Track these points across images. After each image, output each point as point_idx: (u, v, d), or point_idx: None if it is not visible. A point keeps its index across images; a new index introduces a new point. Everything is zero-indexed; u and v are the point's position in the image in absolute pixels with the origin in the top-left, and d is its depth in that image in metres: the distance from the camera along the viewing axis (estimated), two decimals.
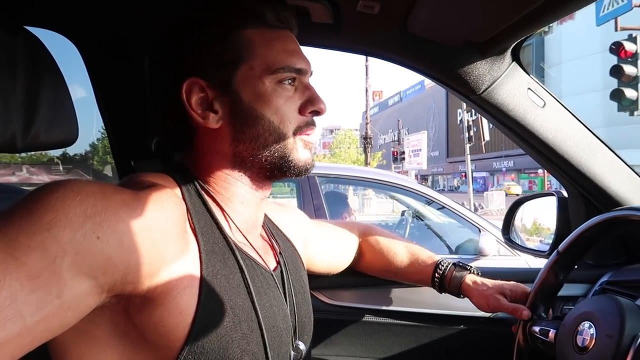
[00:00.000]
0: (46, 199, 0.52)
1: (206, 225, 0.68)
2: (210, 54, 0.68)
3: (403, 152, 20.34)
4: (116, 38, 1.14)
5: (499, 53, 1.01)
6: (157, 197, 0.61)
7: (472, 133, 15.69)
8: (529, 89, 1.07)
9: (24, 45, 0.75)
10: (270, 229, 0.87)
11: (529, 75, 1.07)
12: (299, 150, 0.72)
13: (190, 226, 0.66)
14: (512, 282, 1.02)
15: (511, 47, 1.01)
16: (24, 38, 0.76)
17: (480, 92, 1.04)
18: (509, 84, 1.05)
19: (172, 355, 0.61)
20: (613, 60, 8.31)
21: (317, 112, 0.74)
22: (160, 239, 0.59)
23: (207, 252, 0.65)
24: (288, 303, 0.78)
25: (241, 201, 0.73)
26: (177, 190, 0.68)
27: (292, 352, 0.77)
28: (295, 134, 0.71)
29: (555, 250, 0.91)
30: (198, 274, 0.63)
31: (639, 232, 1.14)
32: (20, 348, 0.48)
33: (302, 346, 0.79)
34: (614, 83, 8.40)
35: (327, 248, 1.10)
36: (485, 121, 14.83)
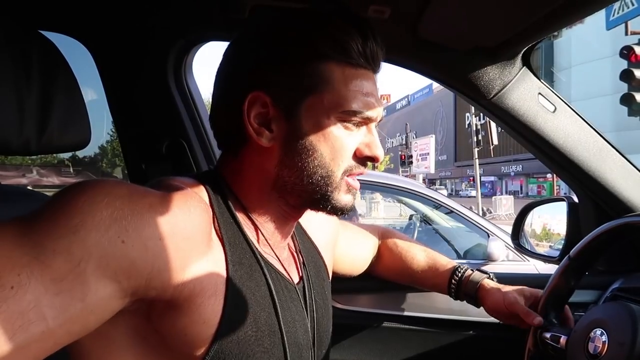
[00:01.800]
0: (73, 201, 0.52)
1: (234, 235, 0.67)
2: (285, 74, 0.66)
3: (411, 156, 20.29)
4: (129, 43, 1.15)
5: (510, 58, 1.01)
6: (184, 202, 0.61)
7: (480, 137, 15.60)
8: (540, 93, 1.06)
9: (39, 49, 0.76)
10: (297, 238, 0.84)
11: (539, 80, 1.07)
12: (342, 191, 0.70)
13: (218, 235, 0.65)
14: (532, 289, 1.01)
15: (522, 52, 1.01)
16: (39, 42, 0.77)
17: (491, 97, 1.04)
18: (519, 88, 1.04)
19: None
20: (623, 64, 8.24)
21: (372, 159, 0.71)
22: (186, 246, 0.58)
23: (234, 262, 0.65)
24: (309, 318, 0.77)
25: (272, 219, 0.72)
26: (206, 197, 0.67)
27: None
28: (343, 174, 0.69)
29: (567, 256, 0.90)
30: (223, 284, 0.63)
31: None
32: (42, 351, 0.48)
33: None
34: (624, 87, 8.33)
35: (351, 250, 1.09)
36: (493, 125, 14.74)
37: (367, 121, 0.69)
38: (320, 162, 0.67)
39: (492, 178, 46.29)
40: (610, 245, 0.87)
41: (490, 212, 18.53)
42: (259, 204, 0.71)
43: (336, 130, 0.67)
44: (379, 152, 0.71)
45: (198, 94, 1.26)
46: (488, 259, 3.17)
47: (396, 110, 66.18)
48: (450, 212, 3.55)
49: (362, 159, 0.70)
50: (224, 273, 0.63)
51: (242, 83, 0.67)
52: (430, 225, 4.05)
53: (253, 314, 0.65)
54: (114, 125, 1.24)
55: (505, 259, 3.18)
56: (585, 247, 0.87)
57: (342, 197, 0.70)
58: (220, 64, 0.72)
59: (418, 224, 4.25)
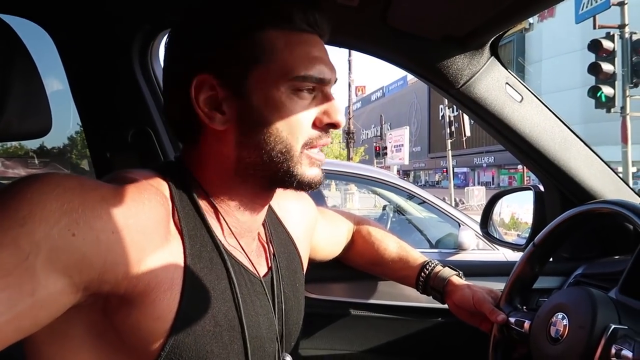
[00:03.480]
0: (21, 194, 0.51)
1: (195, 227, 0.65)
2: (226, 51, 0.63)
3: (385, 148, 20.47)
4: (92, 27, 1.11)
5: (478, 47, 1.02)
6: (138, 194, 0.59)
7: (453, 129, 15.79)
8: (507, 83, 1.07)
9: None
10: (270, 227, 0.82)
11: (507, 70, 1.08)
12: (304, 165, 0.67)
13: (177, 227, 0.63)
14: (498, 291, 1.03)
15: (490, 42, 1.02)
16: None
17: (459, 86, 1.05)
18: (487, 78, 1.05)
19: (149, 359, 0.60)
20: (592, 57, 8.46)
21: (334, 126, 0.68)
22: (140, 239, 0.57)
23: (193, 255, 0.63)
24: (276, 311, 0.76)
25: (238, 206, 0.70)
26: (165, 189, 0.65)
27: None
28: (303, 147, 0.66)
29: (531, 243, 0.92)
30: (180, 278, 0.61)
31: (612, 225, 1.16)
32: None
33: (288, 358, 0.77)
34: (592, 80, 8.56)
35: (329, 235, 1.09)
36: (466, 117, 14.90)
37: (320, 86, 0.67)
38: (277, 137, 0.64)
39: (464, 169, 47.04)
40: (572, 232, 0.89)
41: (463, 203, 18.88)
42: (224, 192, 0.69)
43: (288, 101, 0.64)
44: (339, 117, 0.68)
45: None
46: (459, 248, 3.23)
47: (371, 101, 66.40)
48: (422, 202, 3.60)
49: (324, 128, 0.68)
50: (181, 267, 0.62)
51: (185, 69, 0.65)
52: (404, 215, 4.09)
53: (212, 309, 0.64)
54: (78, 113, 1.20)
55: (476, 248, 3.25)
56: (548, 234, 0.89)
57: (307, 171, 0.68)
58: (164, 53, 0.70)
59: (391, 214, 4.28)
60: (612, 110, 8.61)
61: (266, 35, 0.63)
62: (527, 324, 0.86)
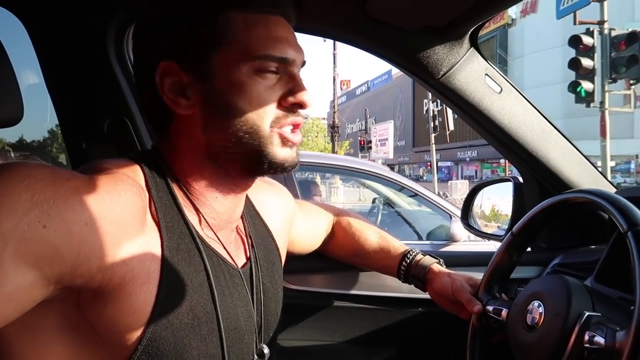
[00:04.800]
0: None
1: (172, 219, 0.64)
2: (186, 36, 0.63)
3: (370, 142, 20.58)
4: (65, 14, 1.08)
5: (458, 38, 1.02)
6: (113, 185, 0.58)
7: (437, 123, 15.89)
8: (487, 74, 1.08)
9: None
10: (248, 219, 0.82)
11: (486, 61, 1.09)
12: (275, 145, 0.66)
13: (154, 219, 0.62)
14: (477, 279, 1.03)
15: (469, 33, 1.02)
16: None
17: (439, 76, 1.05)
18: (466, 69, 1.06)
19: (125, 355, 0.59)
20: (573, 53, 8.57)
21: (300, 105, 0.67)
22: (115, 231, 0.56)
23: (170, 248, 0.62)
24: (255, 301, 0.75)
25: (215, 196, 0.69)
26: (142, 179, 0.64)
27: (256, 355, 0.75)
28: (272, 127, 0.66)
29: (510, 232, 0.93)
30: (157, 271, 0.60)
31: (588, 215, 1.18)
32: None
33: (266, 350, 0.77)
34: (573, 76, 8.67)
35: (308, 228, 1.09)
36: (450, 111, 15.07)
37: (285, 66, 0.66)
38: (243, 119, 0.64)
39: (448, 163, 47.46)
40: (549, 221, 0.90)
41: (447, 196, 19.12)
42: (199, 180, 0.68)
43: (251, 82, 0.63)
44: (305, 97, 0.67)
45: None
46: (451, 239, 3.28)
47: (356, 95, 66.45)
48: (414, 195, 3.61)
49: (290, 107, 0.67)
50: (158, 260, 0.61)
51: (150, 57, 0.65)
52: (394, 208, 4.10)
53: (189, 301, 0.63)
54: (52, 102, 1.17)
55: (467, 239, 3.28)
56: (526, 223, 0.90)
57: (279, 151, 0.67)
58: (132, 43, 0.70)
59: (382, 207, 4.29)
60: (592, 105, 8.74)
61: (225, 17, 0.63)
62: (504, 312, 0.87)
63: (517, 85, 1.12)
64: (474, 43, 1.06)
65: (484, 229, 1.46)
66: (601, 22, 8.75)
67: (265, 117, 0.65)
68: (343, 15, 1.02)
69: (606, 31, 8.50)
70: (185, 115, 0.65)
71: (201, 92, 0.64)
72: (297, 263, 1.20)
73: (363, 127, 26.44)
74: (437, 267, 1.04)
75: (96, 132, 1.13)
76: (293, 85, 0.67)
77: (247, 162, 0.67)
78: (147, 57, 0.66)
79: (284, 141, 0.68)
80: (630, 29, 8.55)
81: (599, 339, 0.65)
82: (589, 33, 8.40)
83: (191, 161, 0.68)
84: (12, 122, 0.80)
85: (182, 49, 0.64)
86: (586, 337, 0.67)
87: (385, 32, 1.04)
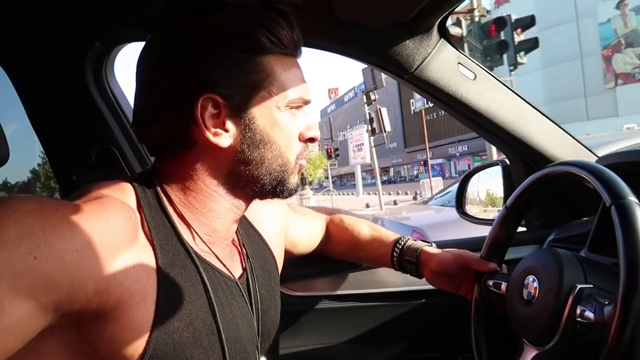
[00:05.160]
0: None
1: (166, 237, 0.65)
2: (232, 72, 0.66)
3: (337, 149, 20.91)
4: (41, 52, 1.10)
5: (426, 31, 1.04)
6: (101, 210, 0.59)
7: (374, 125, 15.87)
8: (459, 63, 1.10)
9: None
10: (242, 230, 0.84)
11: (458, 50, 1.11)
12: (295, 174, 0.74)
13: (147, 238, 0.64)
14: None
15: (437, 24, 1.04)
16: None
17: (413, 70, 1.07)
18: (438, 60, 1.08)
19: None
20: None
21: (312, 139, 0.75)
22: (106, 254, 0.57)
23: (166, 265, 0.63)
24: (254, 310, 0.77)
25: (217, 216, 0.71)
26: (132, 201, 0.65)
27: None
28: (296, 159, 0.73)
29: (504, 206, 0.94)
30: (154, 288, 0.61)
31: (575, 188, 1.20)
32: None
33: (264, 359, 0.79)
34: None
35: (303, 228, 1.11)
36: (385, 113, 15.26)
37: (305, 105, 0.74)
38: (278, 152, 0.70)
39: (440, 160, 47.61)
40: (540, 194, 0.91)
41: (421, 195, 19.21)
42: (203, 202, 0.70)
43: (286, 119, 0.70)
44: (317, 132, 0.76)
45: (124, 98, 1.22)
46: None
47: (344, 102, 66.76)
48: None
49: (305, 141, 0.74)
50: (154, 277, 0.62)
51: (187, 86, 0.66)
52: None
53: (189, 315, 0.64)
54: (39, 139, 1.19)
55: None
56: (519, 196, 0.91)
57: (294, 179, 0.75)
58: (142, 69, 0.69)
59: None
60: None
61: (267, 59, 0.68)
62: (504, 286, 0.88)
63: (497, 75, 1.14)
64: (443, 34, 1.08)
65: (483, 215, 1.47)
66: (471, 11, 8.65)
67: (294, 151, 0.73)
68: (309, 21, 1.03)
69: (476, 19, 8.39)
70: (215, 145, 0.67)
71: (241, 126, 0.68)
72: (297, 269, 1.22)
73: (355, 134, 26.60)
74: (430, 248, 1.05)
75: (85, 163, 1.14)
76: (309, 122, 0.75)
77: (265, 191, 0.73)
78: (182, 86, 0.66)
79: (300, 168, 0.75)
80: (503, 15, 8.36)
81: (589, 314, 0.66)
82: (457, 23, 8.32)
83: (201, 185, 0.70)
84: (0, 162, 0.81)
85: (227, 85, 0.66)
86: (578, 311, 0.68)
87: (353, 33, 1.05)
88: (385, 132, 14.82)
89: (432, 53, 1.07)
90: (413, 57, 1.06)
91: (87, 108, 1.15)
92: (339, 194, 35.00)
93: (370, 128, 16.02)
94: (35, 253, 0.51)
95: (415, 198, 21.18)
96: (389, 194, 26.71)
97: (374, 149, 16.99)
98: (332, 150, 21.54)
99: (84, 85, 1.13)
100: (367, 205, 18.57)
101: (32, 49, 1.09)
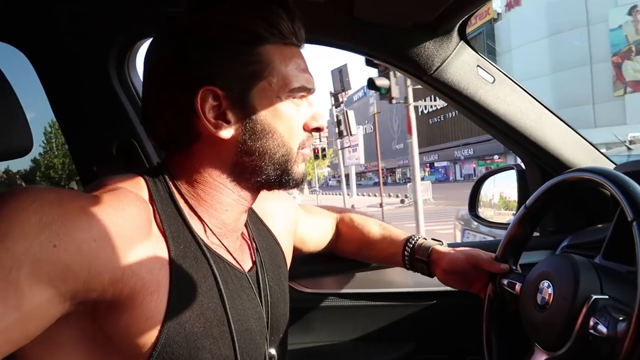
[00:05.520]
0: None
1: (178, 229, 0.67)
2: (230, 63, 0.66)
3: (324, 149, 21.04)
4: (65, 44, 1.12)
5: (446, 32, 1.05)
6: (117, 201, 0.60)
7: (342, 128, 15.76)
8: (478, 66, 1.11)
9: None
10: (251, 225, 0.85)
11: (477, 53, 1.11)
12: (299, 163, 0.74)
13: (160, 229, 0.65)
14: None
15: (457, 26, 1.04)
16: None
17: (432, 72, 1.08)
18: (458, 62, 1.08)
19: None
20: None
21: (318, 129, 0.75)
22: (122, 245, 0.58)
23: (178, 256, 0.65)
24: (263, 303, 0.78)
25: (225, 208, 0.72)
26: (145, 193, 0.67)
27: (268, 353, 0.77)
28: (299, 148, 0.73)
29: (523, 205, 0.94)
30: (166, 278, 0.63)
31: (592, 194, 1.20)
32: None
33: (272, 351, 0.80)
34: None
35: (313, 225, 1.12)
36: (352, 116, 15.23)
37: (308, 94, 0.74)
38: (280, 142, 0.70)
39: (444, 163, 47.47)
40: (561, 196, 0.91)
41: (410, 199, 19.17)
42: (211, 195, 0.71)
43: (288, 109, 0.70)
44: (323, 122, 0.76)
45: None
46: None
47: (354, 102, 66.73)
48: None
49: (309, 130, 0.75)
50: (166, 268, 0.63)
51: (186, 81, 0.67)
52: None
53: (200, 306, 0.65)
54: (61, 131, 1.20)
55: None
56: (539, 197, 0.91)
57: (300, 169, 0.75)
58: (148, 64, 0.71)
59: None
60: (394, 101, 8.69)
61: (266, 49, 0.68)
62: (518, 286, 0.88)
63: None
64: (463, 36, 1.08)
65: (496, 219, 1.48)
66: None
67: (296, 140, 0.73)
68: (330, 20, 1.04)
69: None
70: (220, 138, 0.68)
71: (242, 117, 0.68)
72: (309, 267, 1.22)
73: (365, 132, 26.68)
74: (441, 247, 1.05)
75: (105, 155, 1.15)
76: (314, 111, 0.75)
77: (273, 180, 0.73)
78: (182, 80, 0.67)
79: (304, 157, 0.75)
80: None
81: (602, 328, 0.66)
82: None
83: (208, 177, 0.71)
84: (24, 152, 0.82)
85: (226, 77, 0.67)
86: (591, 323, 0.68)
87: (373, 33, 1.06)
88: (351, 135, 14.84)
89: (451, 55, 1.07)
90: (432, 59, 1.06)
91: (110, 101, 1.16)
92: (325, 194, 35.12)
93: (337, 130, 16.01)
94: (54, 241, 0.52)
95: (402, 202, 21.78)
96: (389, 195, 26.71)
97: (340, 152, 16.93)
98: (319, 150, 21.81)
99: (107, 78, 1.15)
100: (352, 207, 18.68)
101: (58, 43, 1.11)
